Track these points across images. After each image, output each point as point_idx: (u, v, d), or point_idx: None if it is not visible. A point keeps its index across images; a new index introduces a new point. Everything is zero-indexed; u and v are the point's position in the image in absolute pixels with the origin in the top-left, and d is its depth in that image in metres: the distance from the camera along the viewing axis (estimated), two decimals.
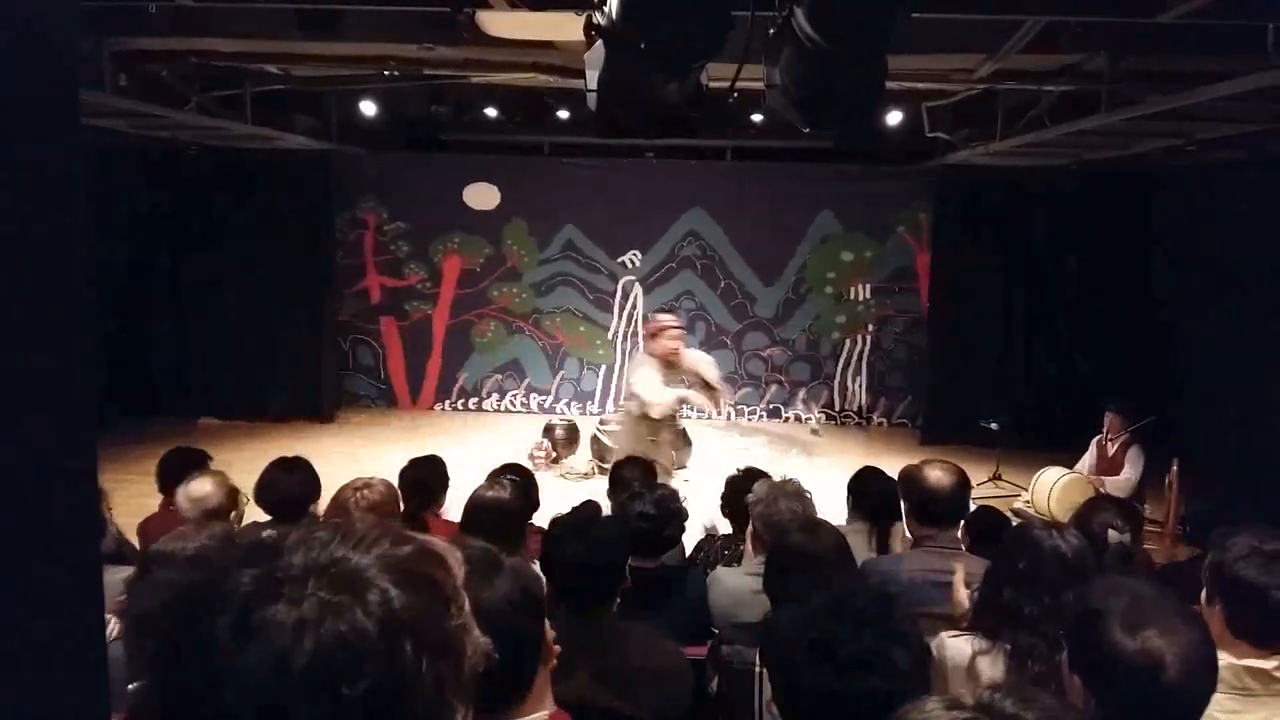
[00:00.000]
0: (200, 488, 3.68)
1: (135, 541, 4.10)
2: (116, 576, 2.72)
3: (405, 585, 0.78)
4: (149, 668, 0.80)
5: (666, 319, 7.19)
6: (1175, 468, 6.19)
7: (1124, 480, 6.61)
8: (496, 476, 3.66)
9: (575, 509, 2.71)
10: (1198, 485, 6.23)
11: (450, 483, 4.31)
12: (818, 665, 1.61)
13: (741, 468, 4.38)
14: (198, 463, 4.31)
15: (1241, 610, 2.11)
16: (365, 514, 3.18)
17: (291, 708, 0.71)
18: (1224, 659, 1.88)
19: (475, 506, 3.38)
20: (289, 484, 3.84)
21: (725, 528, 4.44)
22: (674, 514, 3.36)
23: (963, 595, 2.70)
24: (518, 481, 3.66)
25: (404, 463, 4.27)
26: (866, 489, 3.90)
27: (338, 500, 3.39)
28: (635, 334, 10.67)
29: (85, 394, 0.82)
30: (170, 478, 4.18)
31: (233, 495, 3.80)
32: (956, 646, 2.33)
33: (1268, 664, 2.04)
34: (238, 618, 0.73)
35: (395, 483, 3.89)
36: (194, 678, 0.73)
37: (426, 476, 4.15)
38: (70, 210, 0.82)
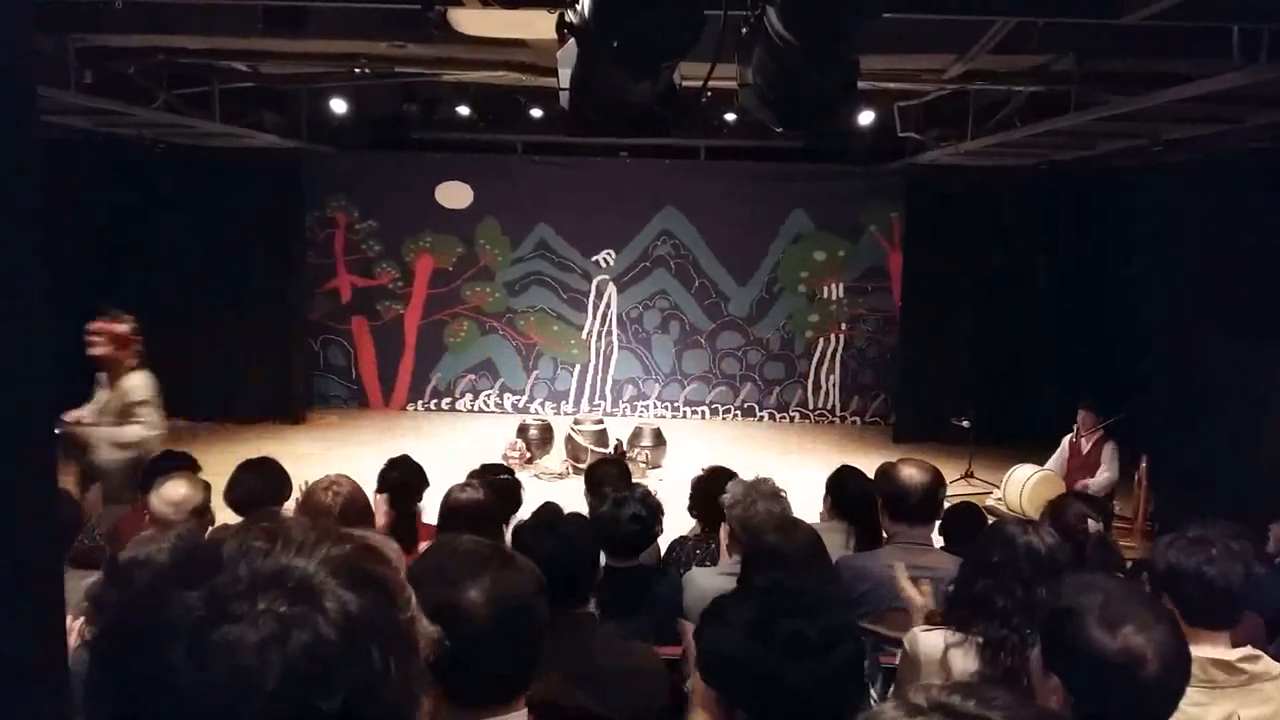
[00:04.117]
0: (175, 491, 3.59)
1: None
2: (84, 581, 2.68)
3: (354, 586, 0.75)
4: (94, 695, 0.75)
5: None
6: (1144, 464, 6.25)
7: (1104, 479, 6.67)
8: (471, 478, 3.64)
9: (536, 510, 2.71)
10: (1166, 481, 6.30)
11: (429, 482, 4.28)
12: (758, 646, 1.57)
13: (706, 467, 4.36)
14: (188, 468, 4.22)
15: (1183, 595, 2.16)
16: (342, 512, 3.13)
17: None
18: None
19: (450, 508, 3.38)
20: (257, 486, 3.79)
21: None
22: (659, 510, 3.40)
23: (910, 590, 2.73)
24: (497, 481, 3.63)
25: (375, 464, 4.20)
26: (845, 489, 3.92)
27: (311, 501, 3.31)
28: (610, 333, 10.66)
29: (40, 393, 0.80)
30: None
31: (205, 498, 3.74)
32: (929, 641, 2.34)
33: (1231, 655, 2.07)
34: (192, 641, 0.69)
35: (372, 483, 3.84)
36: (149, 706, 0.69)
37: (409, 476, 4.11)
38: (23, 207, 0.80)
